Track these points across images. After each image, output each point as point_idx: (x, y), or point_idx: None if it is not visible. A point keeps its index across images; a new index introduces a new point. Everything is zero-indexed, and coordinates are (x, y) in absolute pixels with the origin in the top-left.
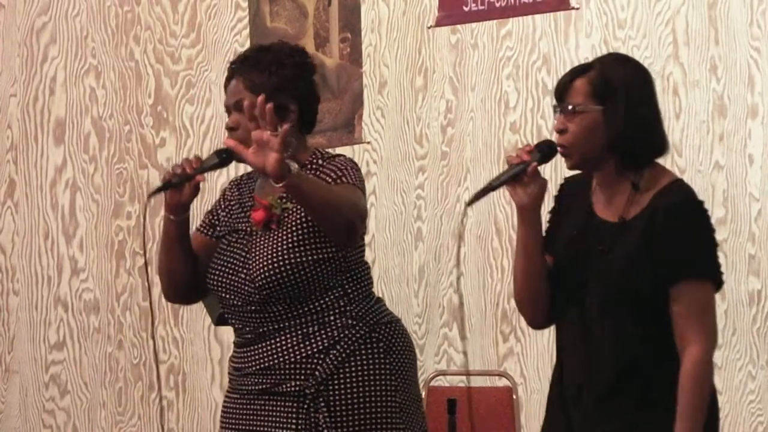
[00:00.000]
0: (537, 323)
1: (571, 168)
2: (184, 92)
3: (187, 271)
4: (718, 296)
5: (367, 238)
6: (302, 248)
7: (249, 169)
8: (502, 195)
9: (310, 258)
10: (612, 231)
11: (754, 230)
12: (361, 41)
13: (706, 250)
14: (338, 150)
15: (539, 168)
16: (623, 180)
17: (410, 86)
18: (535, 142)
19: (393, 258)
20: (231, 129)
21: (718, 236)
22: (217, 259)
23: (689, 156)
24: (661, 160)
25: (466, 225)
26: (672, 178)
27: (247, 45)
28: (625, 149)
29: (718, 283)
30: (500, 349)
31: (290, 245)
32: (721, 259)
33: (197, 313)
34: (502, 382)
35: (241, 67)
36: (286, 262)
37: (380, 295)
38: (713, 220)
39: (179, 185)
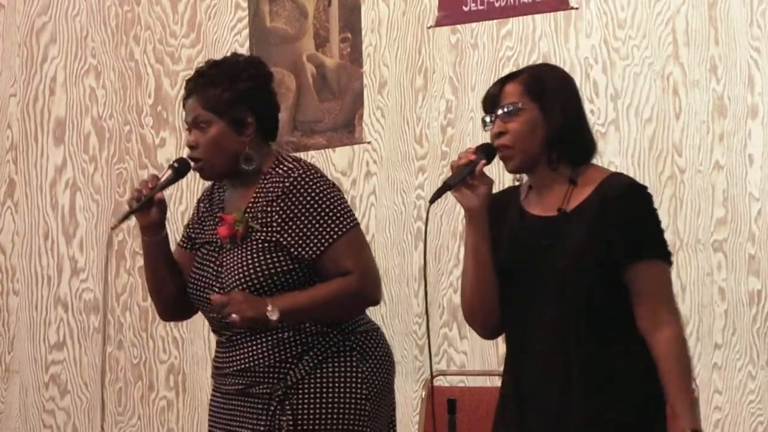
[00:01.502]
0: (488, 333)
1: (511, 171)
2: (184, 92)
3: (176, 290)
4: (718, 296)
5: (367, 239)
6: (271, 261)
7: None
8: None
9: (279, 269)
10: (553, 224)
11: (754, 230)
12: (361, 41)
13: (659, 231)
14: (338, 150)
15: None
16: (558, 178)
17: (410, 86)
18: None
19: (393, 258)
20: (191, 147)
21: (719, 236)
22: (193, 272)
23: (689, 156)
24: (661, 160)
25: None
26: (609, 171)
27: (247, 45)
28: (564, 144)
29: (669, 262)
30: (500, 349)
31: (260, 258)
32: (721, 259)
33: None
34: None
35: (195, 85)
36: (255, 273)
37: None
38: (713, 220)
39: (141, 209)
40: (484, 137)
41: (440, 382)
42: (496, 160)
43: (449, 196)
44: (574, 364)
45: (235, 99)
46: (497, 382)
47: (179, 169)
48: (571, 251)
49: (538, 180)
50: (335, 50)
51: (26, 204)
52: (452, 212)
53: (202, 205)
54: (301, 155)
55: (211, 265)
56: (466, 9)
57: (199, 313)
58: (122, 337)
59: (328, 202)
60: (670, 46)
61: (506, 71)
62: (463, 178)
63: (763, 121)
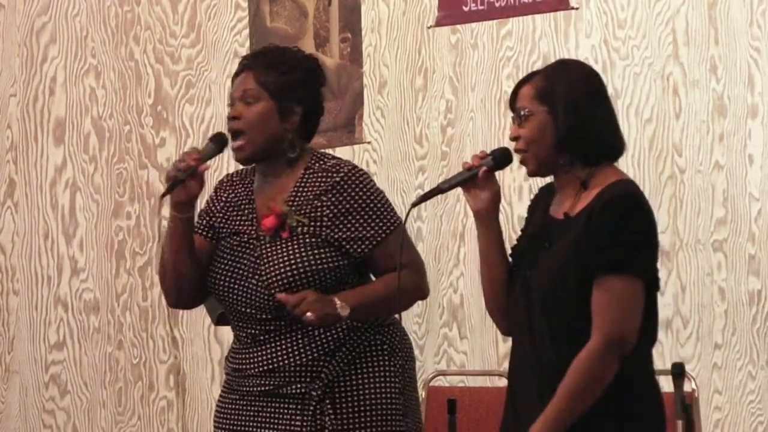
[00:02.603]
0: (506, 330)
1: (530, 174)
2: (184, 92)
3: (194, 275)
4: (718, 296)
5: None
6: (317, 257)
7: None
8: (503, 197)
9: (324, 266)
10: (556, 227)
11: (754, 230)
12: (361, 41)
13: (631, 245)
14: (338, 150)
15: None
16: (573, 180)
17: (410, 86)
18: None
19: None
20: (233, 118)
21: (718, 236)
22: (220, 263)
23: (689, 156)
24: (661, 160)
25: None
26: (620, 176)
27: (247, 45)
28: (573, 148)
29: (647, 280)
30: (500, 349)
31: (305, 254)
32: (721, 259)
33: (197, 313)
34: (502, 382)
35: (254, 62)
36: (303, 270)
37: None
38: (713, 220)
39: (185, 179)
40: (484, 137)
41: (440, 382)
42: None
43: (450, 197)
44: (556, 372)
45: (288, 85)
46: (497, 382)
47: (219, 142)
48: (557, 259)
49: (557, 182)
50: (335, 50)
51: (26, 204)
52: (452, 212)
53: (222, 193)
54: (348, 160)
55: (246, 256)
56: (466, 9)
57: (199, 313)
58: (122, 337)
59: (378, 200)
60: (670, 46)
61: (506, 71)
62: (456, 184)
63: (763, 121)
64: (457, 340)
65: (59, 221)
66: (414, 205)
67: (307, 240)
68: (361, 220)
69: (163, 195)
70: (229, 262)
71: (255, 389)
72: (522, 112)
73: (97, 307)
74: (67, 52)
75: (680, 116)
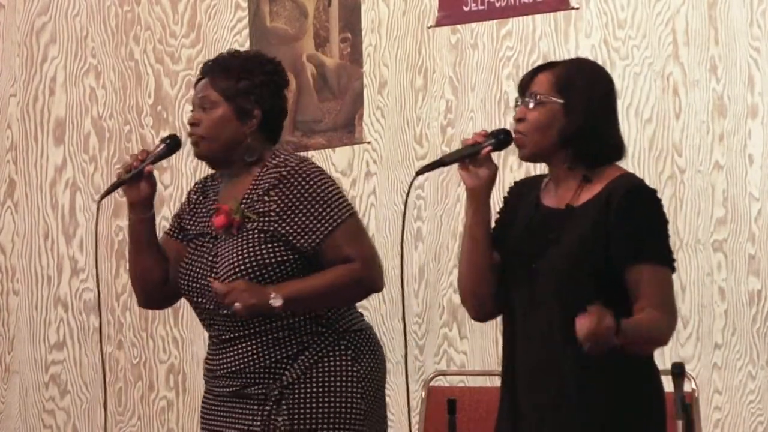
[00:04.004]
0: (480, 315)
1: (523, 158)
2: (184, 92)
3: (160, 274)
4: (718, 296)
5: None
6: (265, 251)
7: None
8: (503, 197)
9: (273, 260)
10: (559, 218)
11: (754, 230)
12: (361, 41)
13: (662, 235)
14: (338, 150)
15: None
16: (573, 174)
17: (410, 86)
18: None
19: (393, 258)
20: (192, 124)
21: (719, 236)
22: (185, 263)
23: (689, 156)
24: (661, 160)
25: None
26: (625, 171)
27: (247, 45)
28: (579, 145)
29: (672, 269)
30: (500, 349)
31: (253, 248)
32: (721, 259)
33: None
34: None
35: (211, 69)
36: (251, 263)
37: (380, 296)
38: (713, 220)
39: (131, 181)
40: None
41: (440, 382)
42: None
43: (449, 197)
44: (566, 363)
45: (245, 89)
46: (497, 382)
47: (171, 145)
48: (570, 248)
49: (554, 173)
50: (335, 50)
51: (26, 204)
52: (452, 212)
53: (194, 196)
54: (301, 155)
55: (206, 255)
56: (466, 9)
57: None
58: (122, 337)
59: (325, 191)
60: (670, 46)
61: (506, 71)
62: (461, 158)
63: (763, 121)
64: (457, 340)
65: (59, 221)
66: (418, 173)
67: (255, 235)
68: (308, 213)
69: (102, 196)
70: (192, 262)
71: (224, 390)
72: (536, 97)
73: (97, 307)
74: (67, 52)
75: (680, 116)
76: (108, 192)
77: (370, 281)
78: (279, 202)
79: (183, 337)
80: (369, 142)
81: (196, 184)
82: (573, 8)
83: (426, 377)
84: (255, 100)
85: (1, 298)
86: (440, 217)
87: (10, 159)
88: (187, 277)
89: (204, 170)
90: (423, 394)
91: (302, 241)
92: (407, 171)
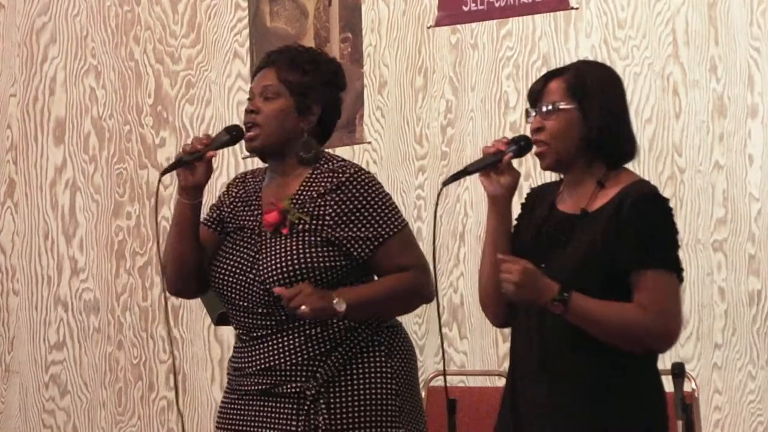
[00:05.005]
0: (500, 320)
1: (545, 168)
2: (184, 92)
3: (197, 260)
4: (718, 296)
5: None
6: (315, 254)
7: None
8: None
9: (322, 264)
10: (573, 222)
11: (754, 230)
12: (362, 41)
13: (670, 243)
14: (338, 150)
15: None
16: (589, 178)
17: (410, 86)
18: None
19: None
20: (250, 111)
21: (719, 236)
22: (221, 256)
23: (689, 156)
24: (661, 160)
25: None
26: (637, 177)
27: (247, 45)
28: (600, 148)
29: (680, 278)
30: (500, 349)
31: (303, 250)
32: (721, 259)
33: (197, 313)
34: (502, 382)
35: (278, 59)
36: (299, 266)
37: None
38: (713, 220)
39: (190, 162)
40: (484, 137)
41: (440, 382)
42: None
43: (450, 197)
44: (571, 364)
45: (310, 84)
46: (497, 382)
47: (235, 135)
48: (580, 252)
49: (570, 178)
50: (336, 50)
51: (26, 204)
52: (452, 212)
53: (234, 189)
54: (357, 164)
55: (247, 251)
56: (466, 9)
57: (199, 313)
58: (122, 337)
59: (382, 201)
60: (670, 46)
61: (506, 71)
62: (484, 167)
63: (763, 121)
64: (457, 340)
65: (59, 221)
66: (444, 184)
67: (307, 237)
68: (364, 221)
69: (164, 172)
70: (230, 256)
71: (253, 388)
72: (551, 106)
73: (97, 307)
74: (67, 52)
75: (680, 116)
76: (169, 169)
77: (425, 290)
78: (335, 206)
79: (183, 337)
80: (369, 142)
81: (236, 177)
82: (573, 8)
83: (426, 377)
84: (317, 97)
85: (1, 298)
86: (440, 217)
87: (10, 159)
88: (223, 271)
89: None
90: (423, 394)
91: (357, 248)
92: (407, 171)
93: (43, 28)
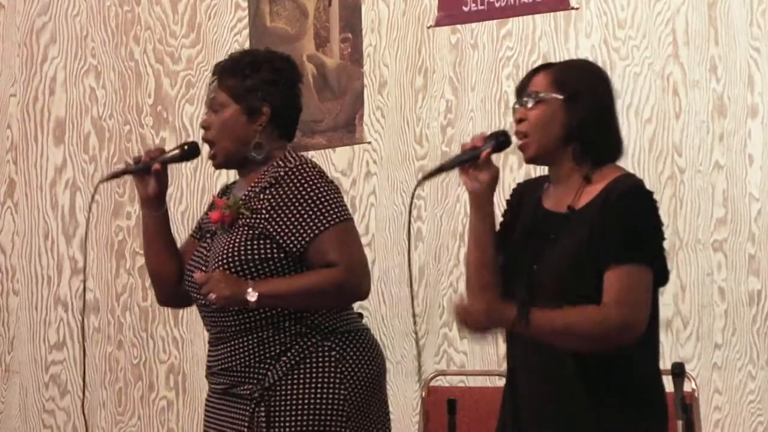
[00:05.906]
0: None
1: (528, 161)
2: (184, 92)
3: (174, 272)
4: (718, 296)
5: (367, 239)
6: (251, 248)
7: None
8: (502, 197)
9: (258, 257)
10: (560, 220)
11: (754, 230)
12: (362, 41)
13: (651, 236)
14: (338, 150)
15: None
16: (576, 174)
17: (410, 86)
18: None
19: (393, 258)
20: (204, 128)
21: (719, 236)
22: (189, 261)
23: (689, 156)
24: (660, 160)
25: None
26: (624, 171)
27: (247, 45)
28: (583, 141)
29: (658, 271)
30: (500, 349)
31: (241, 244)
32: (721, 259)
33: (197, 313)
34: (502, 382)
35: (220, 70)
36: (234, 260)
37: (380, 296)
38: (713, 220)
39: (134, 173)
40: None
41: (440, 382)
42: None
43: (449, 197)
44: (566, 364)
45: (251, 86)
46: (497, 382)
47: (187, 150)
48: (569, 250)
49: (556, 175)
50: (335, 50)
51: (26, 204)
52: (452, 212)
53: (217, 198)
54: (306, 157)
55: (203, 251)
56: (466, 9)
57: (199, 313)
58: (122, 337)
59: (317, 194)
60: (670, 46)
61: (506, 71)
62: (460, 163)
63: (763, 121)
64: (457, 340)
65: (59, 221)
66: (418, 184)
67: (245, 231)
68: (297, 214)
69: (102, 181)
70: (193, 258)
71: (217, 387)
72: (534, 96)
73: (97, 307)
74: (67, 52)
75: (680, 116)
76: (109, 177)
77: (352, 288)
78: (271, 200)
79: (183, 337)
80: (369, 142)
81: (221, 189)
82: (573, 8)
83: (426, 377)
84: (262, 97)
85: (1, 298)
86: (440, 217)
87: (10, 159)
88: (187, 273)
89: (205, 171)
90: (423, 394)
91: (288, 241)
92: (407, 171)
93: (43, 28)
